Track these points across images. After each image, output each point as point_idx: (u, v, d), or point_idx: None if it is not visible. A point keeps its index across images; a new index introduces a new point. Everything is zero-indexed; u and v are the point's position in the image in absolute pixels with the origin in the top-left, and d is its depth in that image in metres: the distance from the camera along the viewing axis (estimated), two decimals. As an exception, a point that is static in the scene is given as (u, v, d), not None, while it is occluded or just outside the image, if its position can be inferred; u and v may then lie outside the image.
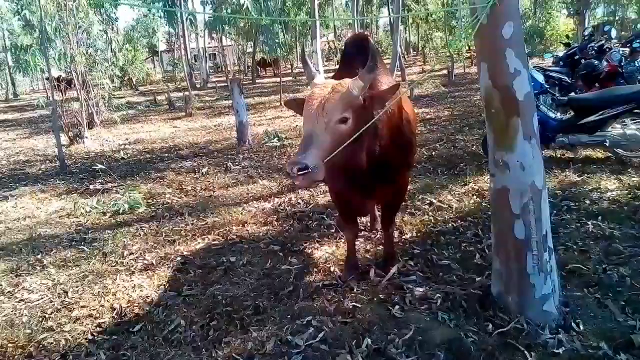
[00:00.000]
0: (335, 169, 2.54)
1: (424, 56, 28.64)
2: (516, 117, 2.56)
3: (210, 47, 39.33)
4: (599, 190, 4.80)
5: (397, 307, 3.01)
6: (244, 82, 26.44)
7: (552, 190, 4.88)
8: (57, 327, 3.23)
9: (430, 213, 4.69)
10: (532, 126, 2.60)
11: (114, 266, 4.15)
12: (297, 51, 41.04)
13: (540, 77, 6.19)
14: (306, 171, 2.31)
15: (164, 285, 3.70)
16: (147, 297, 3.53)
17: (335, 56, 32.14)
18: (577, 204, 4.51)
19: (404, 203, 4.99)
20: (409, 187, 5.45)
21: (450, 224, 4.37)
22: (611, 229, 3.88)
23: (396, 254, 3.68)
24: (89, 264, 4.23)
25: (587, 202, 4.53)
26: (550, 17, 23.94)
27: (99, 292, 3.68)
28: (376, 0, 36.85)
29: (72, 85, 11.69)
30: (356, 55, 2.87)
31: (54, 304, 3.55)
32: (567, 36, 12.09)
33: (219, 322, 3.07)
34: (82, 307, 3.49)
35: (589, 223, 4.04)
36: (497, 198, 2.79)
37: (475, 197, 5.00)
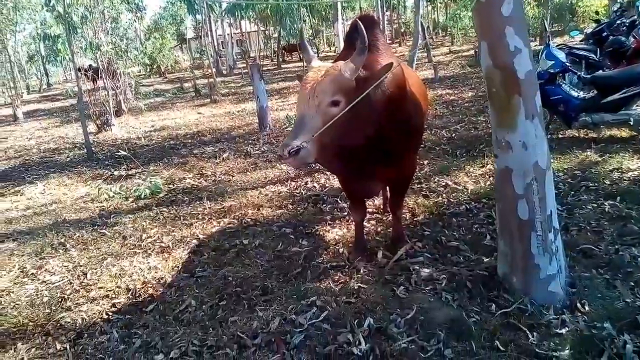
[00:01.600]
0: (332, 152, 2.56)
1: (452, 37, 28.07)
2: (517, 96, 2.52)
3: (237, 33, 39.43)
4: (620, 170, 4.67)
5: (401, 287, 3.03)
6: (270, 68, 26.64)
7: (571, 171, 4.79)
8: (75, 307, 3.37)
9: (445, 195, 4.66)
10: (534, 105, 2.56)
11: (132, 249, 4.28)
12: (323, 34, 40.80)
13: (561, 56, 6.03)
14: (297, 151, 2.35)
15: (178, 267, 3.81)
16: (161, 278, 3.64)
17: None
18: (596, 184, 4.41)
19: (419, 185, 4.99)
20: (425, 169, 5.49)
21: (463, 206, 4.33)
22: (628, 209, 3.78)
23: (404, 235, 3.68)
24: (108, 247, 4.38)
25: (607, 182, 4.42)
26: (582, -8, 23.09)
27: (116, 273, 3.82)
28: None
29: (101, 74, 11.95)
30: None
31: (73, 286, 3.70)
32: (597, 12, 11.64)
33: (228, 302, 3.15)
34: (100, 288, 3.63)
35: (606, 203, 3.95)
36: (500, 178, 2.77)
37: (492, 178, 4.93)
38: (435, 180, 5.13)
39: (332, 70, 2.54)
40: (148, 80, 26.85)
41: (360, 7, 35.28)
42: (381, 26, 3.13)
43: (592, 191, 4.30)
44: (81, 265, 4.05)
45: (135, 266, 3.91)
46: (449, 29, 31.68)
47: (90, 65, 13.81)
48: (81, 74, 12.05)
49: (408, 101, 2.94)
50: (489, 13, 2.48)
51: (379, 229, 4.08)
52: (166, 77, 27.70)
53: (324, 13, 34.12)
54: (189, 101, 16.12)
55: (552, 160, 5.07)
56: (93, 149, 8.94)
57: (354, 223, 3.80)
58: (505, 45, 2.48)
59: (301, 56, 29.65)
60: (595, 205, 3.99)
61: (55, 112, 17.31)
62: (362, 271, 3.32)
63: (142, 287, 3.54)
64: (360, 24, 2.55)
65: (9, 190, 6.91)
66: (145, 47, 25.57)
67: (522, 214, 2.68)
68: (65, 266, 4.09)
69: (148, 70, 28.99)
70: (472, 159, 5.74)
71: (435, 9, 40.12)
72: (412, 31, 31.13)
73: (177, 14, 39.87)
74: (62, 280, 3.83)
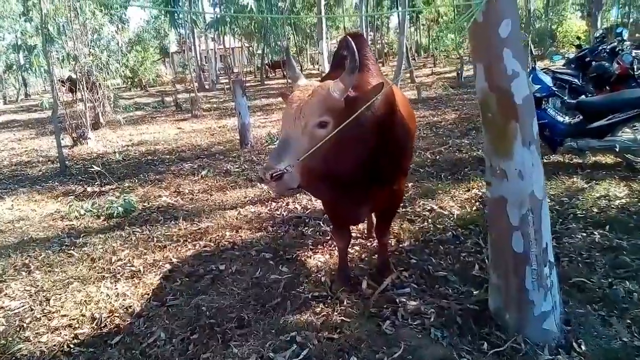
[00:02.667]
0: (318, 176, 2.38)
1: (434, 58, 28.37)
2: (514, 121, 2.38)
3: (221, 48, 39.33)
4: (607, 197, 4.59)
5: (387, 322, 2.85)
6: (253, 84, 26.53)
7: (558, 197, 4.69)
8: (34, 338, 3.11)
9: (430, 220, 4.50)
10: (531, 131, 2.42)
11: (101, 272, 4.02)
12: (307, 52, 40.96)
13: (548, 80, 5.98)
14: (280, 175, 2.17)
15: (148, 294, 3.56)
16: (129, 306, 3.39)
17: (345, 58, 31.91)
18: (583, 212, 4.31)
19: (404, 209, 4.84)
20: (410, 192, 5.34)
21: (450, 232, 4.18)
22: (619, 240, 3.67)
23: (390, 264, 3.50)
24: (75, 270, 4.11)
25: (595, 210, 4.32)
26: (562, 18, 23.58)
27: (81, 300, 3.55)
28: (386, 2, 36.56)
29: (79, 86, 11.64)
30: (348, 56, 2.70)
31: (34, 313, 3.43)
32: (579, 37, 11.78)
33: (200, 336, 2.92)
34: (63, 316, 3.36)
35: (596, 233, 3.84)
36: (494, 208, 2.61)
37: (477, 203, 4.81)
38: (420, 203, 4.98)
39: (320, 89, 2.37)
40: (129, 93, 26.49)
41: (345, 27, 35.57)
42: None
43: (580, 219, 4.19)
44: (44, 290, 3.77)
45: (102, 292, 3.65)
46: (431, 51, 32.06)
47: (69, 77, 13.50)
48: (60, 85, 11.75)
49: (398, 123, 2.79)
50: (486, 34, 2.34)
51: (363, 256, 3.89)
52: (147, 91, 27.37)
53: (308, 31, 34.33)
54: (169, 115, 15.84)
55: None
56: (67, 163, 8.63)
57: (337, 249, 3.61)
58: (502, 68, 2.34)
59: (285, 73, 29.68)
60: (585, 234, 3.88)
61: (31, 123, 16.84)
62: (345, 302, 3.12)
63: (109, 317, 3.28)
64: (351, 41, 2.40)
65: (-26, 205, 6.56)
66: (127, 60, 25.31)
67: (516, 246, 2.52)
68: (27, 290, 3.80)
69: (129, 83, 28.64)
70: (457, 182, 5.62)
71: (418, 31, 40.65)
72: (395, 52, 31.38)
73: (160, 27, 39.70)
74: (23, 306, 3.55)
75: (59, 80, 11.98)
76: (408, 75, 18.91)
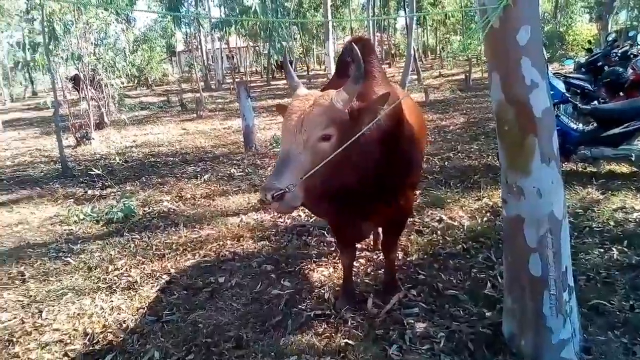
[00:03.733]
0: (322, 193, 2.22)
1: (442, 60, 28.11)
2: (533, 135, 2.21)
3: (226, 48, 39.16)
4: (624, 209, 4.40)
5: (394, 346, 2.68)
6: (259, 84, 26.37)
7: (572, 209, 4.50)
8: (24, 354, 2.97)
9: (440, 232, 4.33)
10: (551, 146, 2.25)
11: (96, 282, 3.88)
12: (314, 53, 40.79)
13: (560, 86, 5.79)
14: (282, 195, 2.00)
15: (144, 308, 3.41)
16: (123, 321, 3.24)
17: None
18: (600, 225, 4.13)
19: (412, 219, 4.67)
20: (418, 201, 5.17)
21: (460, 245, 4.01)
22: (638, 257, 3.49)
23: (398, 281, 3.33)
24: (71, 279, 3.96)
25: (612, 223, 4.14)
26: (572, 21, 23.28)
27: (74, 313, 3.41)
28: (393, 3, 36.33)
29: (87, 85, 11.53)
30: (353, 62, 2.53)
31: (25, 326, 3.29)
32: (590, 41, 11.55)
33: (196, 357, 2.76)
34: (55, 330, 3.22)
35: (614, 249, 3.66)
36: (510, 228, 2.44)
37: (488, 214, 4.63)
38: (429, 213, 4.81)
39: (322, 99, 2.21)
40: (135, 92, 26.40)
41: (351, 27, 35.38)
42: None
43: (596, 233, 4.00)
44: (37, 301, 3.63)
45: (97, 305, 3.50)
46: (438, 52, 31.79)
47: (75, 75, 13.40)
48: (67, 82, 11.64)
49: (406, 134, 2.62)
50: (503, 41, 2.17)
51: (369, 270, 3.73)
52: (153, 90, 27.27)
53: (315, 31, 34.10)
54: (174, 115, 15.71)
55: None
56: (70, 164, 8.52)
57: (341, 265, 3.45)
58: (520, 78, 2.17)
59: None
60: (602, 250, 3.69)
61: (37, 122, 16.78)
62: (349, 322, 2.95)
63: (102, 332, 3.13)
64: (355, 47, 2.24)
65: (-27, 207, 6.45)
66: (133, 59, 25.25)
67: (534, 270, 2.35)
68: (20, 301, 3.66)
69: (136, 82, 28.56)
70: (467, 191, 5.44)
71: (425, 32, 40.38)
72: (402, 53, 31.12)
73: (167, 26, 39.60)
74: (15, 318, 3.41)
75: (65, 77, 11.87)
76: (416, 77, 18.71)
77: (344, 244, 3.13)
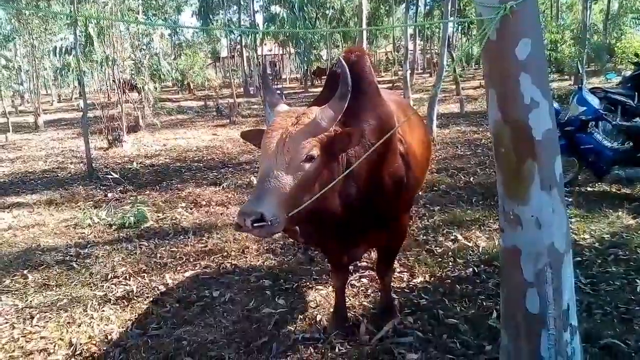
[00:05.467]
0: (305, 218, 2.05)
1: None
2: (532, 160, 1.98)
3: (270, 54, 39.47)
4: (657, 237, 4.06)
5: (381, 379, 2.49)
6: (297, 91, 26.42)
7: (598, 233, 4.19)
8: (5, 362, 2.93)
9: (451, 253, 4.08)
10: (553, 173, 2.01)
11: (93, 290, 3.83)
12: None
13: (595, 102, 5.44)
14: (262, 223, 1.84)
15: (133, 320, 3.32)
16: (109, 333, 3.16)
17: (393, 66, 31.55)
18: (627, 253, 3.80)
19: (425, 237, 4.46)
20: (435, 217, 4.93)
21: (471, 269, 3.76)
22: (665, 292, 3.18)
23: (395, 306, 3.12)
24: (70, 285, 3.94)
25: (640, 252, 3.81)
26: (622, 33, 22.29)
27: (65, 321, 3.36)
28: (437, 12, 35.79)
29: (122, 88, 11.77)
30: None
31: (13, 332, 3.26)
32: (637, 54, 10.92)
33: (173, 377, 2.65)
34: (42, 338, 3.18)
35: (638, 281, 3.35)
36: (506, 259, 2.21)
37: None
38: (444, 231, 4.58)
39: (305, 117, 2.06)
40: (177, 96, 26.93)
41: (393, 36, 35.11)
42: (371, 62, 2.59)
43: (622, 262, 3.69)
44: (32, 307, 3.61)
45: (87, 314, 3.44)
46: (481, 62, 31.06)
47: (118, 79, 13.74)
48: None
49: (402, 151, 2.43)
50: (500, 55, 1.96)
51: (369, 291, 3.53)
52: (195, 95, 27.71)
53: (357, 39, 33.92)
54: (208, 120, 15.86)
55: (577, 219, 4.53)
56: (98, 165, 8.65)
57: (332, 287, 3.26)
58: (518, 96, 1.95)
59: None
60: (626, 281, 3.39)
61: (77, 122, 17.25)
62: (337, 349, 2.78)
63: (86, 343, 3.06)
64: (344, 63, 2.08)
65: (-1, 206, 6.61)
66: (177, 63, 25.76)
67: (530, 306, 2.11)
68: (15, 305, 3.65)
69: (179, 86, 29.15)
70: (489, 209, 5.15)
71: (470, 41, 39.60)
72: (448, 63, 30.58)
73: (213, 32, 40.28)
74: (5, 323, 3.39)
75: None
76: (454, 87, 18.30)
77: (334, 266, 2.95)
